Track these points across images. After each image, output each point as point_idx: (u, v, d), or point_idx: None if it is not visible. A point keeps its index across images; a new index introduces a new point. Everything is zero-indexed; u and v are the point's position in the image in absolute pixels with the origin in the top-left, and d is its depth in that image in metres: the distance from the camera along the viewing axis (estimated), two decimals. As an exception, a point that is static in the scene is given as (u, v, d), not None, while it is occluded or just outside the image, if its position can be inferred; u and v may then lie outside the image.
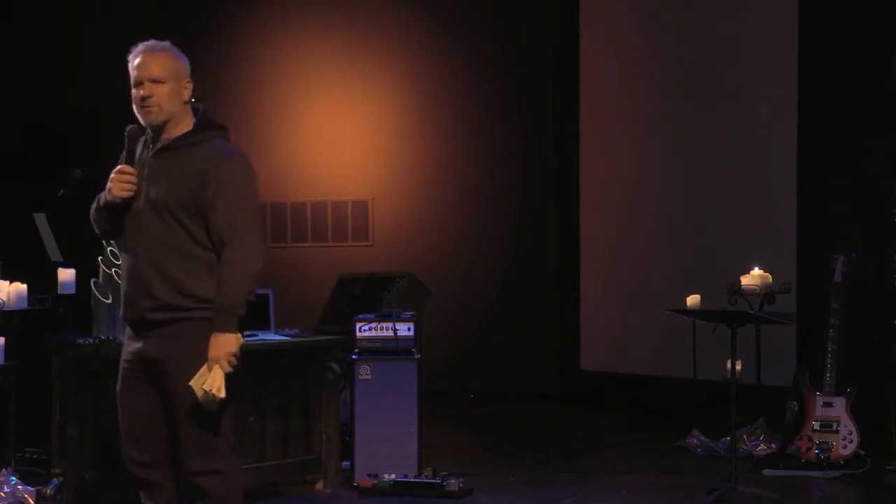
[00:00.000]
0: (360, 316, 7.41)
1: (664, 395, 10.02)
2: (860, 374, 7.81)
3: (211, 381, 4.26)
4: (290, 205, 12.47)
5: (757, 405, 8.34)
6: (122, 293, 4.53)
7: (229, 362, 4.29)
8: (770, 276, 8.50)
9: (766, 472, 7.62)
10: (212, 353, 4.28)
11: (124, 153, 4.44)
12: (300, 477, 7.17)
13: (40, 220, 8.27)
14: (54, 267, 7.37)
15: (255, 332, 7.02)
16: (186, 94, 4.44)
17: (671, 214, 10.49)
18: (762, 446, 8.19)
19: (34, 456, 7.31)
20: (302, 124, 12.56)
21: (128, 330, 4.54)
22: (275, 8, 12.56)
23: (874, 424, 7.67)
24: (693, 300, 8.68)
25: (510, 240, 11.84)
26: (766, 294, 8.43)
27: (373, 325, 7.34)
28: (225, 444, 4.42)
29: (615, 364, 10.89)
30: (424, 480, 7.04)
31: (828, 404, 7.65)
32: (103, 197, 4.46)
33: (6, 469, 6.68)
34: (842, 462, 7.56)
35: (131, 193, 4.39)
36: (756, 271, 8.51)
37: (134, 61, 4.41)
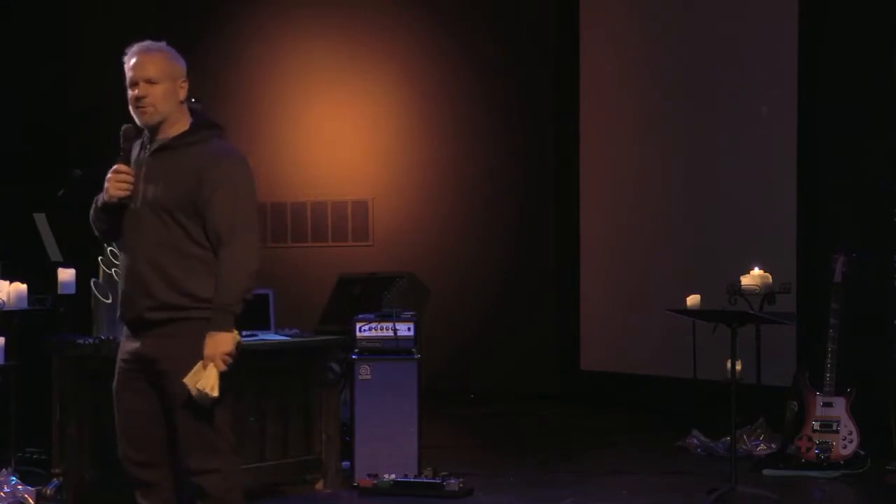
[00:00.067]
0: (360, 316, 7.41)
1: (664, 395, 10.02)
2: (860, 374, 7.81)
3: (205, 380, 4.26)
4: (290, 205, 12.48)
5: (757, 405, 8.34)
6: (119, 293, 4.54)
7: (224, 361, 4.30)
8: (770, 276, 8.50)
9: (766, 472, 7.62)
10: (207, 351, 4.29)
11: (120, 153, 4.45)
12: (300, 477, 7.17)
13: (40, 220, 8.27)
14: (54, 267, 7.38)
15: (255, 332, 7.02)
16: (182, 94, 4.45)
17: (671, 214, 10.49)
18: (762, 446, 8.18)
19: (34, 456, 7.31)
20: (302, 124, 12.56)
21: (125, 329, 4.54)
22: (275, 8, 12.56)
23: (874, 424, 7.67)
24: (693, 300, 8.68)
25: (510, 240, 11.84)
26: (766, 294, 8.43)
27: (373, 325, 7.34)
28: (224, 443, 4.42)
29: (615, 364, 10.89)
30: (424, 480, 7.04)
31: (828, 404, 7.65)
32: (101, 198, 4.47)
33: (6, 469, 6.68)
34: (842, 462, 7.56)
35: (128, 193, 4.40)
36: (756, 271, 8.51)
37: (129, 62, 4.42)
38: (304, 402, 7.14)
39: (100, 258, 6.71)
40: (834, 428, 7.60)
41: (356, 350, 7.33)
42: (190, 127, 4.46)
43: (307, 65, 12.50)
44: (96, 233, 4.61)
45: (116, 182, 4.39)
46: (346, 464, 7.32)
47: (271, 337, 7.16)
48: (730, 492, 6.78)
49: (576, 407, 10.83)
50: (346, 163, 12.39)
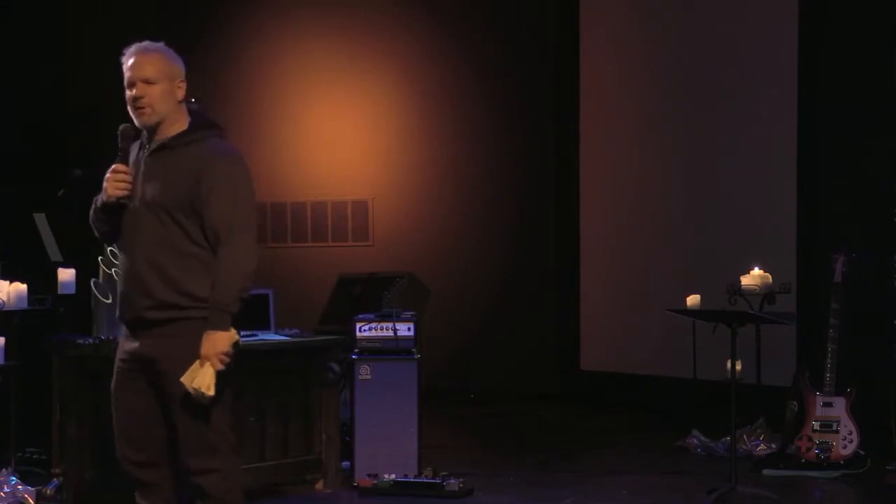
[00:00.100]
0: (360, 316, 7.41)
1: (664, 395, 10.02)
2: (860, 374, 7.81)
3: (201, 379, 4.26)
4: (290, 205, 12.48)
5: (757, 405, 8.34)
6: (118, 293, 4.54)
7: (221, 360, 4.30)
8: (770, 276, 8.50)
9: (766, 472, 7.62)
10: (203, 350, 4.29)
11: (118, 153, 4.45)
12: (300, 477, 7.17)
13: (40, 220, 8.27)
14: (54, 267, 7.37)
15: (255, 332, 7.02)
16: (180, 94, 4.45)
17: (671, 214, 10.49)
18: (762, 446, 8.19)
19: (34, 456, 7.31)
20: (302, 124, 12.56)
21: (123, 330, 4.54)
22: (275, 8, 12.56)
23: (874, 424, 7.67)
24: (693, 300, 8.68)
25: (510, 240, 11.84)
26: (766, 294, 8.43)
27: (373, 325, 7.34)
28: (224, 443, 4.42)
29: (615, 364, 10.89)
30: (424, 480, 7.04)
31: (828, 404, 7.65)
32: (100, 198, 4.48)
33: (6, 469, 6.68)
34: (842, 462, 7.56)
35: (126, 192, 4.40)
36: (756, 271, 8.51)
37: (127, 62, 4.43)
38: (304, 402, 7.14)
39: (100, 258, 6.71)
40: (834, 428, 7.60)
41: (356, 350, 7.33)
42: (188, 127, 4.46)
43: (307, 65, 12.50)
44: (96, 234, 4.61)
45: (115, 182, 4.40)
46: (346, 464, 7.32)
47: (271, 337, 7.16)
48: (730, 492, 6.78)
49: (576, 407, 10.83)
50: (346, 163, 12.39)
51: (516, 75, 11.87)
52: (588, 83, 11.28)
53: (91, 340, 6.53)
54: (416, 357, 7.33)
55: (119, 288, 4.53)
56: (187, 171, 4.37)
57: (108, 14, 12.22)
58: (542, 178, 11.78)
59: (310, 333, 7.43)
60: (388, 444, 7.24)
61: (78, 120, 11.81)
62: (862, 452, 7.57)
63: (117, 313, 4.55)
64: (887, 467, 7.49)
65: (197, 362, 4.29)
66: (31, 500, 6.52)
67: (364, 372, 7.31)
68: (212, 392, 4.27)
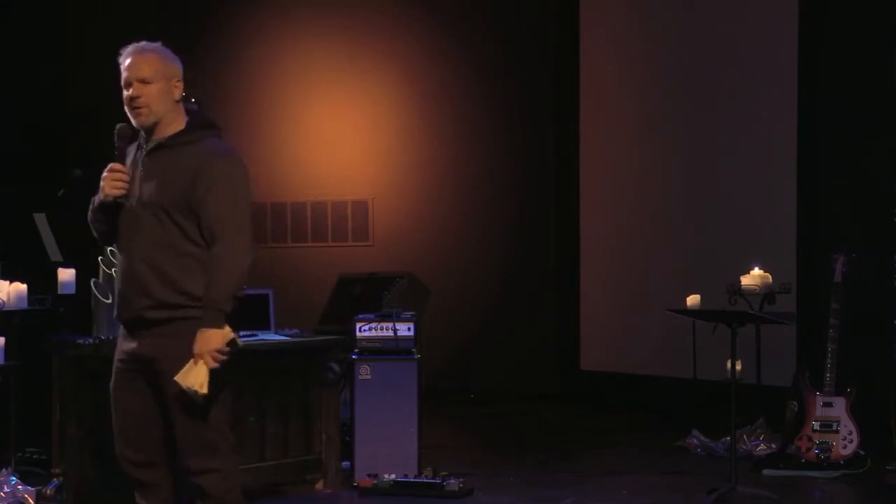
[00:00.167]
0: (360, 316, 7.41)
1: (664, 395, 10.02)
2: (860, 374, 7.81)
3: (194, 377, 4.26)
4: (290, 205, 12.48)
5: (757, 405, 8.34)
6: (115, 293, 4.53)
7: (214, 358, 4.29)
8: (770, 276, 8.50)
9: (766, 472, 7.62)
10: (196, 348, 4.29)
11: (115, 152, 4.46)
12: (300, 477, 7.17)
13: (40, 220, 8.27)
14: (54, 267, 7.37)
15: (255, 332, 7.02)
16: (177, 94, 4.45)
17: (671, 214, 10.49)
18: (762, 446, 8.18)
19: (34, 456, 7.31)
20: (302, 124, 12.56)
21: (121, 329, 4.55)
22: (275, 8, 12.56)
23: (874, 424, 7.67)
24: (693, 300, 8.68)
25: (510, 240, 11.84)
26: (766, 294, 8.43)
27: (373, 325, 7.34)
28: (224, 443, 4.42)
29: (615, 364, 10.89)
30: (424, 480, 7.04)
31: (828, 404, 7.65)
32: (97, 198, 4.48)
33: (6, 469, 6.68)
34: (842, 462, 7.56)
35: (123, 191, 4.41)
36: (756, 271, 8.51)
37: (124, 62, 4.44)
38: (304, 402, 7.14)
39: (100, 258, 6.71)
40: (834, 428, 7.60)
41: (356, 350, 7.33)
42: (186, 126, 4.46)
43: (307, 65, 12.50)
44: (95, 234, 4.61)
45: (112, 181, 4.40)
46: (346, 464, 7.32)
47: (271, 337, 7.15)
48: (730, 492, 6.78)
49: (576, 407, 10.83)
50: (346, 163, 12.39)
51: (516, 75, 11.87)
52: (588, 83, 11.28)
53: (91, 340, 6.53)
54: (416, 357, 7.33)
55: (116, 287, 4.53)
56: (185, 170, 4.37)
57: (108, 14, 12.22)
58: (542, 178, 11.78)
59: (310, 333, 7.43)
60: (388, 444, 7.24)
61: (78, 120, 11.80)
62: (862, 452, 7.57)
63: (115, 313, 4.55)
64: (887, 467, 7.49)
65: (191, 361, 4.29)
66: (31, 500, 6.52)
67: (364, 372, 7.31)
68: (205, 390, 4.26)
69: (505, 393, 11.37)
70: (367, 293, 8.03)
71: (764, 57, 9.75)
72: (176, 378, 4.27)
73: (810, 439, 7.61)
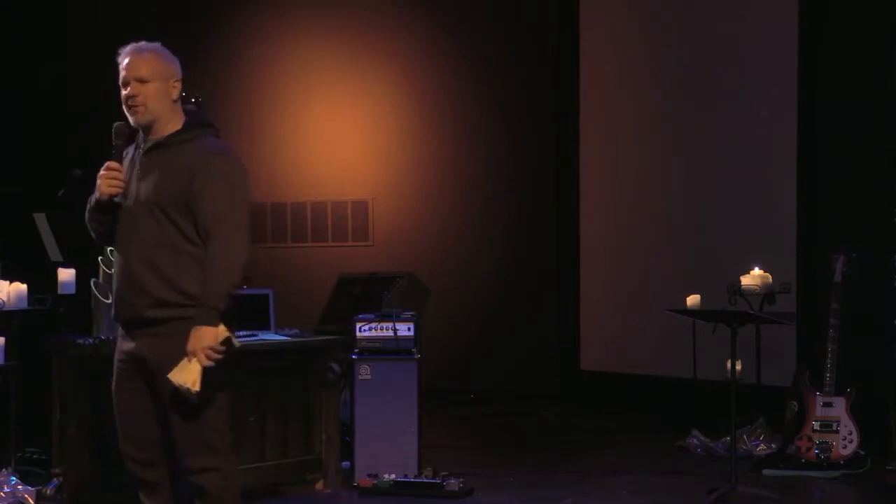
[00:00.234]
0: (360, 316, 7.41)
1: (664, 395, 10.02)
2: (860, 374, 7.81)
3: (186, 374, 4.26)
4: (290, 205, 12.48)
5: (757, 405, 8.34)
6: (113, 293, 4.53)
7: (207, 356, 4.28)
8: (770, 276, 8.49)
9: (766, 472, 7.62)
10: (190, 345, 4.28)
11: (112, 151, 4.46)
12: (300, 477, 7.17)
13: (40, 220, 8.27)
14: (54, 267, 7.37)
15: (255, 332, 7.01)
16: (175, 93, 4.46)
17: (671, 214, 10.49)
18: (762, 446, 8.18)
19: (34, 456, 7.31)
20: (302, 124, 12.56)
21: (120, 329, 4.55)
22: (275, 8, 12.56)
23: (874, 424, 7.67)
24: (693, 300, 8.68)
25: (510, 240, 11.84)
26: (766, 294, 8.43)
27: (373, 325, 7.34)
28: (222, 442, 4.42)
29: (615, 364, 10.89)
30: (424, 480, 7.03)
31: (828, 404, 7.65)
32: (94, 197, 4.48)
33: (6, 469, 6.67)
34: (842, 462, 7.56)
35: (120, 190, 4.41)
36: (756, 271, 8.51)
37: (122, 62, 4.45)
38: (304, 402, 7.14)
39: (100, 258, 6.70)
40: (834, 428, 7.60)
41: (356, 350, 7.32)
42: (183, 126, 4.47)
43: (307, 65, 12.50)
44: (93, 235, 4.62)
45: (108, 179, 4.41)
46: (346, 464, 7.32)
47: (271, 337, 7.14)
48: (730, 492, 6.78)
49: (576, 407, 10.83)
50: (346, 163, 12.39)
51: (516, 75, 11.87)
52: (588, 83, 11.27)
53: (91, 340, 6.53)
54: (416, 357, 7.32)
55: (114, 287, 4.53)
56: (182, 169, 4.37)
57: (108, 14, 12.23)
58: (542, 178, 11.78)
59: (310, 333, 7.42)
60: (388, 444, 7.24)
61: (78, 120, 11.80)
62: (862, 452, 7.57)
63: (112, 313, 4.55)
64: (887, 467, 7.49)
65: (185, 359, 4.28)
66: (31, 500, 6.52)
67: (364, 372, 7.31)
68: (197, 388, 4.25)
69: (505, 393, 11.36)
70: (367, 293, 8.03)
71: (764, 57, 9.75)
72: (169, 375, 4.26)
73: (810, 439, 7.61)
